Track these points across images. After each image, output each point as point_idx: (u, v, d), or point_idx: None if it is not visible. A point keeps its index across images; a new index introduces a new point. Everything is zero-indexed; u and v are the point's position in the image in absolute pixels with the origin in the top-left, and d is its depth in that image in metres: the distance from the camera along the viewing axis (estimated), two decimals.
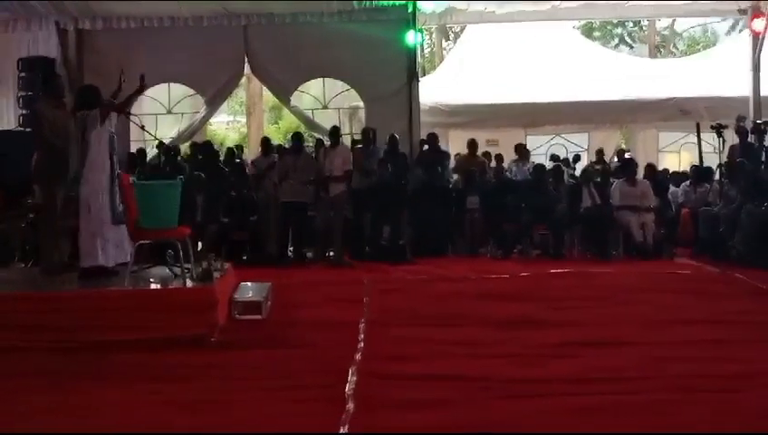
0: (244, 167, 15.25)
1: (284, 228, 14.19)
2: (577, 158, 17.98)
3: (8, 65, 15.87)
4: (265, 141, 16.16)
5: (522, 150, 17.17)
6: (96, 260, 9.06)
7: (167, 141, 15.36)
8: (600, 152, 17.48)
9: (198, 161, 15.18)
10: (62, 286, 8.79)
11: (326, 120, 16.97)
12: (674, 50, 39.83)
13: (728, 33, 37.11)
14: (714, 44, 34.48)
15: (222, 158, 16.12)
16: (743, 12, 17.97)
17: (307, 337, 8.19)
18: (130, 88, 9.74)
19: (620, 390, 6.19)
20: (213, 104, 17.45)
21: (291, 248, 14.41)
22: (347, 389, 6.14)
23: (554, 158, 17.61)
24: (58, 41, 16.35)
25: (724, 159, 14.78)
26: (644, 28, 38.30)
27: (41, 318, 7.95)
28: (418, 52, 17.81)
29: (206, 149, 15.72)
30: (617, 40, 39.10)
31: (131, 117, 10.91)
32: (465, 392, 6.16)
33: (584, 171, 15.48)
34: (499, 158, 16.35)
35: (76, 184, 9.14)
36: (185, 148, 16.76)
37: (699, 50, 34.73)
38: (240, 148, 17.49)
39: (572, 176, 15.89)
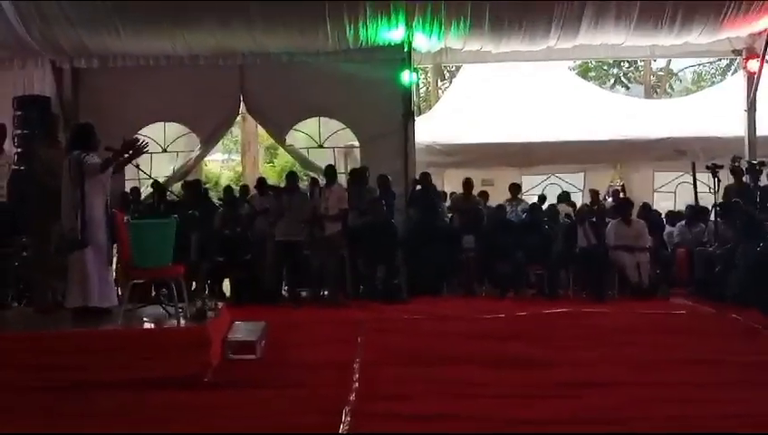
0: (238, 205, 15.21)
1: (279, 267, 14.17)
2: (562, 193, 18.06)
3: (3, 104, 15.74)
4: (261, 181, 16.17)
5: (515, 190, 17.07)
6: (91, 301, 9.02)
7: (161, 180, 15.36)
8: (594, 193, 17.50)
9: (193, 200, 15.11)
10: (55, 326, 8.72)
11: (321, 159, 16.92)
12: (669, 90, 39.93)
13: (722, 73, 37.34)
14: (719, 81, 34.58)
15: (223, 195, 16.15)
16: (737, 52, 18.04)
17: (301, 377, 8.12)
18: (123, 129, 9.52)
19: (616, 430, 6.15)
20: (208, 143, 17.45)
21: (285, 287, 14.40)
22: (341, 429, 6.11)
23: (542, 198, 17.39)
24: (53, 79, 16.35)
25: (720, 199, 14.78)
26: (640, 68, 38.45)
27: (33, 358, 7.89)
28: (414, 91, 17.84)
29: (193, 188, 15.75)
30: (613, 80, 39.24)
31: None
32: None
33: (579, 211, 15.43)
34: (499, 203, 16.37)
35: (69, 225, 8.92)
36: (178, 187, 16.73)
37: (704, 86, 34.85)
38: (245, 187, 17.35)
39: (567, 215, 15.83)
